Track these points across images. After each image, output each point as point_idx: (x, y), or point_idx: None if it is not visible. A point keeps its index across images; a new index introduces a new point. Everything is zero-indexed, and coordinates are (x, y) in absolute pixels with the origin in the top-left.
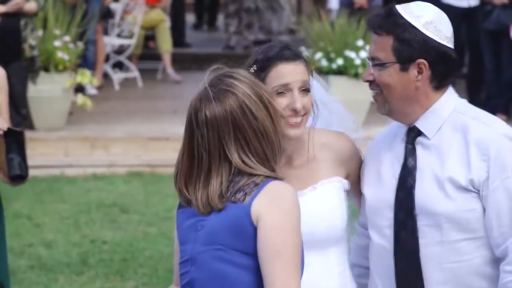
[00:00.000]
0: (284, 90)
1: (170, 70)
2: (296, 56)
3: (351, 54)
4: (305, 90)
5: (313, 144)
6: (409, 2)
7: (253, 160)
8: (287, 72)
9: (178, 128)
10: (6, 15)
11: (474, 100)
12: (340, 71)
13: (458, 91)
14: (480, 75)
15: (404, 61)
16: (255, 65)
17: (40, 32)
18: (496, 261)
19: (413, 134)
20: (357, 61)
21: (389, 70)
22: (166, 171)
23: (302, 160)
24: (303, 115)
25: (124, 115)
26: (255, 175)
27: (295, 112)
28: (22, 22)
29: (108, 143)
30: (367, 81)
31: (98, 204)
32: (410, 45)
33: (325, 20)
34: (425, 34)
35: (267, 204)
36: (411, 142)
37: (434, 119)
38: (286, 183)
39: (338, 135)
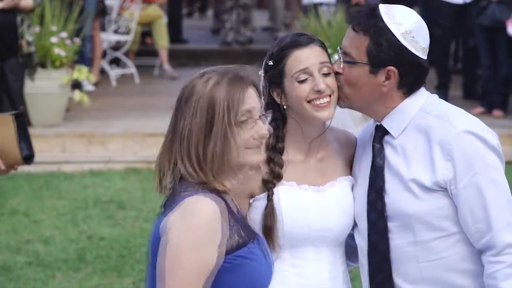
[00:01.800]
0: (304, 75)
1: (167, 66)
2: (310, 40)
3: None
4: (326, 73)
5: (329, 139)
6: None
7: (195, 166)
8: (304, 57)
9: None
10: (2, 11)
11: (469, 95)
12: None
13: (453, 87)
14: (475, 71)
15: (375, 65)
16: (271, 60)
17: (37, 28)
18: (473, 255)
19: (380, 133)
20: None
21: (358, 69)
22: None
23: (324, 154)
24: (329, 96)
25: (121, 111)
26: (190, 185)
27: (319, 93)
28: (19, 18)
29: (105, 139)
30: (336, 72)
31: (95, 200)
32: (385, 51)
33: (322, 16)
34: (402, 44)
35: (175, 220)
36: (379, 141)
37: (399, 119)
38: (209, 198)
39: (351, 137)
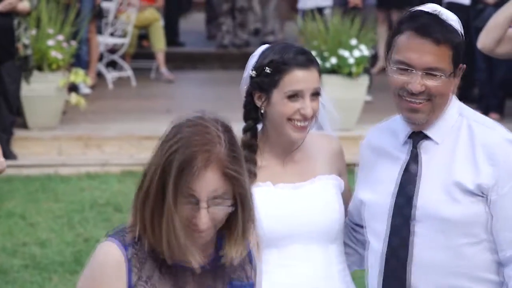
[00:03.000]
0: (296, 95)
1: (163, 69)
2: (311, 62)
3: (344, 53)
4: (315, 94)
5: (311, 142)
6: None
7: (135, 206)
8: (302, 79)
9: None
10: None
11: (465, 98)
12: (333, 70)
13: None
14: (471, 74)
15: (456, 68)
16: (269, 68)
17: (33, 31)
18: (497, 266)
19: (419, 138)
20: (351, 60)
21: (445, 79)
22: None
23: (302, 155)
24: (310, 119)
25: (118, 114)
26: (121, 227)
27: (304, 116)
28: (16, 21)
29: (101, 142)
30: (418, 92)
31: (92, 203)
32: (460, 52)
33: (319, 20)
34: (464, 39)
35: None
36: (416, 146)
37: (442, 125)
38: (117, 243)
39: (330, 138)
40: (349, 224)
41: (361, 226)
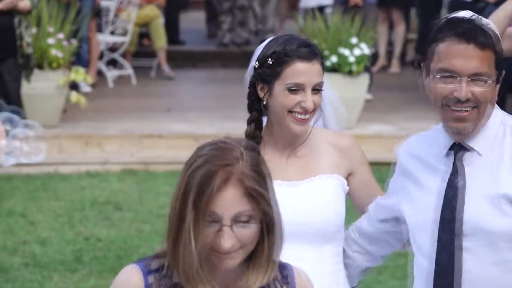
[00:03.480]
0: (297, 88)
1: (165, 66)
2: (313, 55)
3: (345, 51)
4: (317, 88)
5: (318, 140)
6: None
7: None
8: (303, 72)
9: (171, 126)
10: (0, 12)
11: None
12: (334, 69)
13: None
14: None
15: (499, 74)
16: (271, 59)
17: (34, 30)
18: None
19: (461, 149)
20: (351, 59)
21: (490, 84)
22: (160, 168)
23: (306, 151)
24: (311, 112)
25: (118, 112)
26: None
27: (304, 110)
28: (16, 19)
29: (102, 141)
30: (466, 99)
31: (92, 202)
32: (501, 57)
33: (320, 18)
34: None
35: None
36: (459, 158)
37: (484, 133)
38: (139, 267)
39: (340, 135)
40: (354, 234)
41: (368, 236)
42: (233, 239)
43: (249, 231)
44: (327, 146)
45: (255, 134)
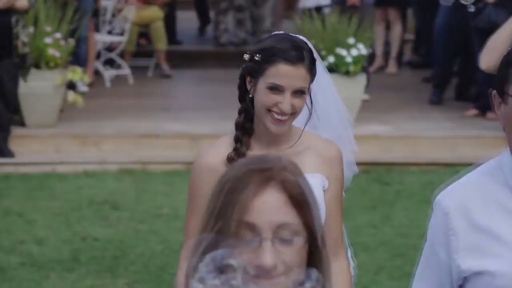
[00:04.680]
0: (277, 88)
1: (164, 65)
2: (299, 60)
3: (342, 51)
4: (299, 92)
5: (306, 143)
6: None
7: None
8: (285, 74)
9: (169, 125)
10: None
11: (461, 97)
12: (331, 69)
13: (448, 89)
14: (470, 73)
15: None
16: (260, 54)
17: (31, 29)
18: None
19: None
20: (348, 59)
21: None
22: (157, 168)
23: (291, 151)
24: (290, 115)
25: (115, 112)
26: None
27: (281, 111)
28: (13, 19)
29: (99, 140)
30: None
31: (89, 201)
32: None
33: (317, 18)
34: None
35: None
36: None
37: None
38: None
39: (328, 144)
40: None
41: None
42: (276, 257)
43: (295, 249)
44: (313, 150)
45: (245, 125)
